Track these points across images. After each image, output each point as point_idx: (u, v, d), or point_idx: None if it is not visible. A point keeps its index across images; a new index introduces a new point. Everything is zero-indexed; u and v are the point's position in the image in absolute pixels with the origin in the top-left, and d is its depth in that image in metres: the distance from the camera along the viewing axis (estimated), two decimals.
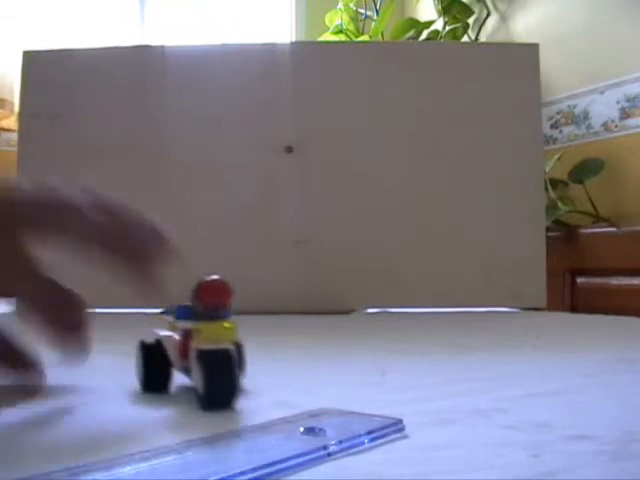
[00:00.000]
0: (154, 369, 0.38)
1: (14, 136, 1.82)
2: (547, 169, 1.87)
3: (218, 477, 0.21)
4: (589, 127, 2.12)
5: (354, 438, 0.26)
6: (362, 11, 2.61)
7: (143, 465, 0.23)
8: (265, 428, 0.27)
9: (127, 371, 0.39)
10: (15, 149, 1.06)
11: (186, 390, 0.37)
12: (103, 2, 2.55)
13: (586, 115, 2.13)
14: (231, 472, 0.22)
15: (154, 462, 0.23)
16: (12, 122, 2.25)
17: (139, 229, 0.39)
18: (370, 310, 1.00)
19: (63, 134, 1.04)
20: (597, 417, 0.32)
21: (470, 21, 2.44)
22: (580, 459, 0.25)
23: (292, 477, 0.23)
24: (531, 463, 0.24)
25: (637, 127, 1.98)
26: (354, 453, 0.25)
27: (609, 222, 1.84)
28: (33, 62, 1.07)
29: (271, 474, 0.22)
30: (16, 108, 2.22)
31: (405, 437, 0.27)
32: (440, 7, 2.39)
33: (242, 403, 0.35)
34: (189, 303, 0.36)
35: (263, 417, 0.28)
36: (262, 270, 1.01)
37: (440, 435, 0.28)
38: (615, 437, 0.27)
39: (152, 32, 2.62)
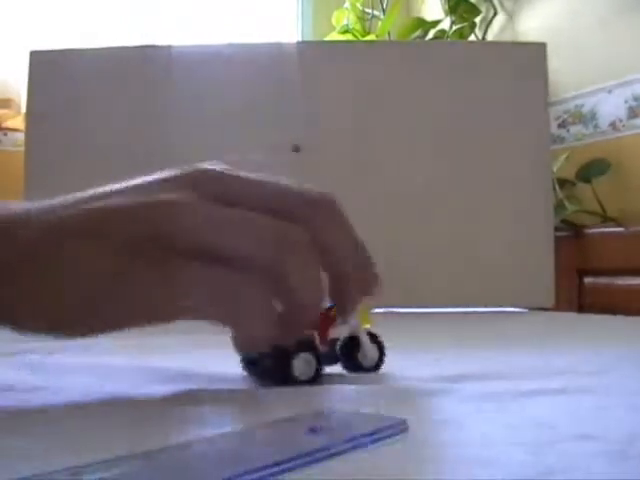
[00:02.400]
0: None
1: (21, 136, 1.83)
2: (554, 169, 1.87)
3: (221, 477, 0.21)
4: (596, 127, 2.12)
5: (358, 438, 0.26)
6: (369, 10, 2.61)
7: (146, 465, 0.22)
8: (269, 427, 0.27)
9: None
10: (22, 149, 1.07)
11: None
12: (109, 2, 2.56)
13: (593, 115, 2.13)
14: (234, 472, 0.22)
15: (157, 461, 0.23)
16: (18, 122, 2.26)
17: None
18: (376, 310, 1.00)
19: (69, 134, 1.05)
20: (601, 417, 0.32)
21: (477, 20, 2.43)
22: (582, 459, 0.24)
23: (296, 477, 0.22)
24: (531, 462, 0.24)
25: None
26: (358, 453, 0.25)
27: (616, 222, 1.84)
28: (39, 62, 1.07)
29: (275, 474, 0.22)
30: (23, 108, 2.23)
31: (408, 437, 0.27)
32: (447, 6, 2.39)
33: (244, 402, 0.35)
34: None
35: (267, 416, 0.28)
36: None
37: (442, 434, 0.28)
38: (619, 438, 0.27)
39: (158, 31, 2.63)
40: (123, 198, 0.36)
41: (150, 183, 0.37)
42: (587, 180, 1.96)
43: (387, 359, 0.45)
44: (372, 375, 0.43)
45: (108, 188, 0.37)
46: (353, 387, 0.39)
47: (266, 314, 0.35)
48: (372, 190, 1.05)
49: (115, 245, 0.34)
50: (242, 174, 0.38)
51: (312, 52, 1.12)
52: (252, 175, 0.39)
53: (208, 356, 0.53)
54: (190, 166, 0.38)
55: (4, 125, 2.31)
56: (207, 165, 0.38)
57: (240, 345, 0.36)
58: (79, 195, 0.37)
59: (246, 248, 0.35)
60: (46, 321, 0.35)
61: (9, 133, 2.31)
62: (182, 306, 0.36)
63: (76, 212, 0.36)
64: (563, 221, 1.87)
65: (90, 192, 0.37)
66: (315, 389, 0.38)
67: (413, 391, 0.37)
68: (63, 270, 0.34)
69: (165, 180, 0.38)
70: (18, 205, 0.37)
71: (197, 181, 0.37)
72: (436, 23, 2.45)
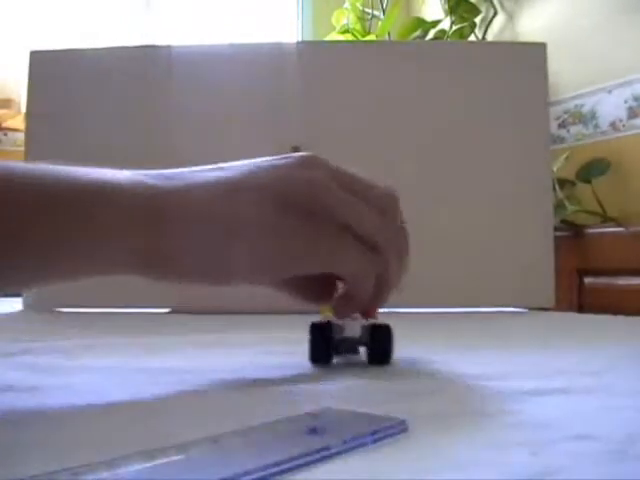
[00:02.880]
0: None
1: (21, 136, 1.83)
2: (555, 169, 1.87)
3: (221, 477, 0.21)
4: (596, 127, 2.12)
5: (358, 438, 0.26)
6: (369, 10, 2.62)
7: (146, 464, 0.22)
8: (269, 427, 0.27)
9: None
10: (22, 149, 1.07)
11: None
12: (110, 2, 2.56)
13: (593, 115, 2.13)
14: (234, 472, 0.22)
15: (157, 462, 0.23)
16: (18, 122, 2.26)
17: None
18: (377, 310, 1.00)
19: (69, 134, 1.05)
20: (600, 417, 0.32)
21: (477, 20, 2.44)
22: (582, 459, 0.24)
23: (295, 477, 0.22)
24: (532, 462, 0.24)
25: None
26: (358, 453, 0.25)
27: (616, 222, 1.84)
28: (39, 62, 1.07)
29: (274, 474, 0.22)
30: (23, 108, 2.23)
31: (408, 437, 0.27)
32: (447, 6, 2.39)
33: (245, 402, 0.35)
34: None
35: (266, 416, 0.28)
36: None
37: (442, 434, 0.28)
38: (618, 437, 0.27)
39: (159, 32, 2.63)
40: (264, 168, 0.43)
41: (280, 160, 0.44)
42: (587, 180, 1.96)
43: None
44: (372, 375, 0.43)
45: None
46: (353, 387, 0.39)
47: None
48: None
49: (274, 201, 0.41)
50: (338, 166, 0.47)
51: (312, 52, 1.12)
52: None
53: (207, 357, 0.53)
54: (296, 154, 0.45)
55: (4, 125, 2.31)
56: (311, 154, 0.45)
57: (351, 307, 0.45)
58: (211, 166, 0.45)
59: (373, 225, 0.44)
60: (210, 271, 0.41)
61: (9, 133, 2.31)
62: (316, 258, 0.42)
63: (239, 172, 0.42)
64: (563, 221, 1.87)
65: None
66: (315, 389, 0.38)
67: (413, 391, 0.37)
68: (239, 223, 0.40)
69: (293, 159, 0.44)
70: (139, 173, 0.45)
71: (319, 163, 0.44)
72: (436, 23, 2.45)
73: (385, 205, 0.46)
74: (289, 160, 0.44)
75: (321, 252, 0.42)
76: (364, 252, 0.43)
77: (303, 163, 0.43)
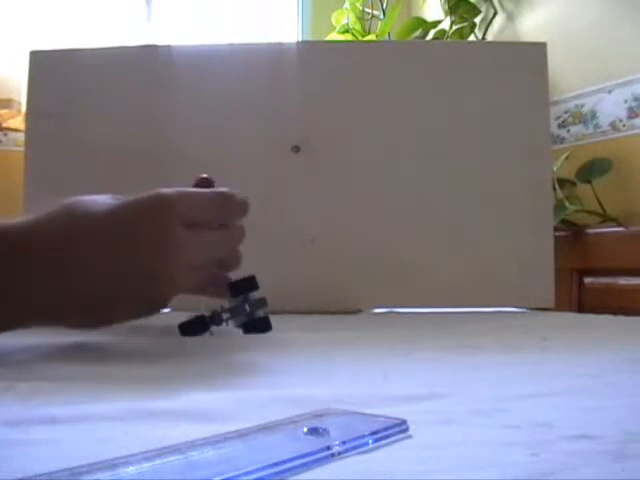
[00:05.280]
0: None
1: (21, 136, 1.83)
2: (555, 169, 1.87)
3: (222, 477, 0.21)
4: (597, 126, 2.12)
5: (358, 438, 0.26)
6: (369, 10, 2.62)
7: (146, 465, 0.22)
8: (269, 428, 0.27)
9: None
10: (22, 149, 1.07)
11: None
12: (110, 2, 2.56)
13: (594, 114, 2.13)
14: (235, 472, 0.22)
15: (157, 462, 0.23)
16: (19, 122, 2.26)
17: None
18: (377, 310, 1.00)
19: (70, 134, 1.04)
20: (599, 417, 0.32)
21: (477, 20, 2.43)
22: (581, 459, 0.24)
23: (296, 477, 0.23)
24: (531, 462, 0.24)
25: None
26: (358, 453, 0.25)
27: (617, 222, 1.84)
28: (40, 62, 1.07)
29: (275, 474, 0.22)
30: (23, 108, 2.23)
31: (408, 437, 0.27)
32: (447, 6, 2.39)
33: (245, 402, 0.35)
34: None
35: (267, 417, 0.28)
36: (269, 270, 1.00)
37: (442, 435, 0.28)
38: (617, 437, 0.27)
39: (159, 32, 2.63)
40: None
41: None
42: (587, 180, 1.96)
43: (386, 359, 0.45)
44: (372, 376, 0.43)
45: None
46: (353, 388, 0.39)
47: None
48: (372, 190, 1.05)
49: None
50: None
51: (312, 52, 1.12)
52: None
53: (206, 358, 0.53)
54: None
55: (4, 125, 2.31)
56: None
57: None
58: None
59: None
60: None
61: (9, 133, 2.31)
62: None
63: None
64: (563, 221, 1.87)
65: None
66: (315, 390, 0.38)
67: (413, 392, 0.37)
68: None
69: None
70: None
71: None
72: (436, 23, 2.45)
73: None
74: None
75: None
76: None
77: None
